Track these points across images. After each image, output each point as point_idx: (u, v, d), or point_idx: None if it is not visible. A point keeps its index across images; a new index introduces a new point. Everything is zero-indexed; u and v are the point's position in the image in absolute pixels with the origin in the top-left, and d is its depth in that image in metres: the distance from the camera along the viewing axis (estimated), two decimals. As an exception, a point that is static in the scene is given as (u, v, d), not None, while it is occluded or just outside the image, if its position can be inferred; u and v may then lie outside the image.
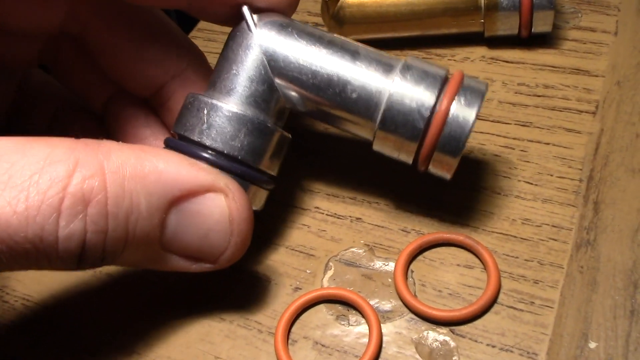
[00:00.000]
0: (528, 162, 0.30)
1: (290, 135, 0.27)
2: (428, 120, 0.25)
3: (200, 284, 0.28)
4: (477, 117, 0.25)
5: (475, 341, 0.25)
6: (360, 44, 0.26)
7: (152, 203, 0.21)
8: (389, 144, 0.26)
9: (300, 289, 0.27)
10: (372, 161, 0.31)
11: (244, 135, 0.25)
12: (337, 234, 0.29)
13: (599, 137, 0.30)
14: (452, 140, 0.25)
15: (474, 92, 0.25)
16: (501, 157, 0.30)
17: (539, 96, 0.32)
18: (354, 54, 0.26)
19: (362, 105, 0.25)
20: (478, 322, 0.25)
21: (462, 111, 0.25)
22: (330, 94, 0.25)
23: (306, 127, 0.33)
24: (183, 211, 0.22)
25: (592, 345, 0.24)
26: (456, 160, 0.25)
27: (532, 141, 0.30)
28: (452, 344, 0.25)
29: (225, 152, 0.25)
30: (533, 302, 0.25)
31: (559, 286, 0.26)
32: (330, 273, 0.28)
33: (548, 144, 0.30)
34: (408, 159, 0.26)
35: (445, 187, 0.29)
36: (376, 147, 0.27)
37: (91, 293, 0.29)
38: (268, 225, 0.30)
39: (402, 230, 0.28)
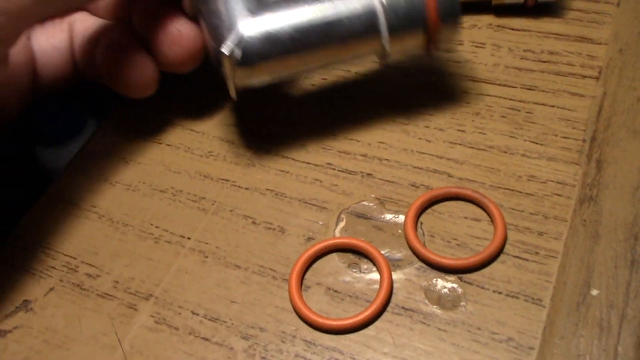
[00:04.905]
0: (533, 123, 0.31)
1: None
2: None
3: (214, 232, 0.29)
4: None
5: (482, 288, 0.26)
6: None
7: None
8: (403, 42, 0.28)
9: (313, 239, 0.28)
10: (382, 121, 0.32)
11: None
12: (349, 188, 0.30)
13: (601, 101, 0.31)
14: (450, 5, 0.28)
15: None
16: (508, 118, 0.31)
17: (544, 62, 0.33)
18: None
19: (365, 26, 0.27)
20: (485, 271, 0.26)
21: None
22: (333, 35, 0.27)
23: (319, 90, 0.34)
24: None
25: (594, 292, 0.25)
26: (459, 22, 0.29)
27: (537, 103, 0.31)
28: (460, 290, 0.26)
29: None
30: (538, 252, 0.26)
31: (563, 238, 0.27)
32: (342, 224, 0.29)
33: (553, 106, 0.31)
34: (420, 46, 0.29)
35: (454, 145, 0.30)
36: (393, 53, 0.29)
37: (106, 239, 0.30)
38: (282, 180, 0.31)
39: (412, 185, 0.29)
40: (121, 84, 0.31)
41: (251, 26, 0.27)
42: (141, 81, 0.31)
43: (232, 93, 0.28)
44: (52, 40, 0.33)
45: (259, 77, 0.28)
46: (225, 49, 0.27)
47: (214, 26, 0.27)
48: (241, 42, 0.27)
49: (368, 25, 0.27)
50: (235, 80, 0.28)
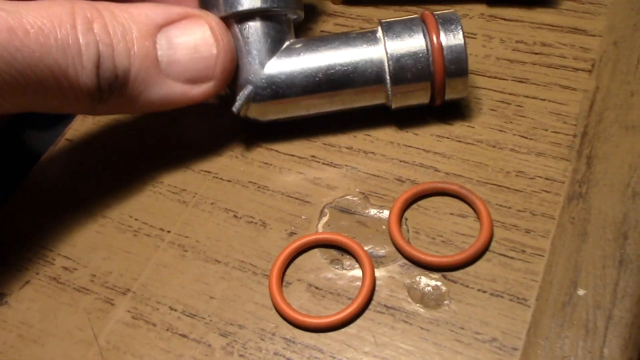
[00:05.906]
0: (523, 117, 0.30)
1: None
2: (430, 57, 0.28)
3: (195, 225, 0.28)
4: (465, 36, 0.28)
5: (467, 286, 0.25)
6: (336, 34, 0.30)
7: (141, 28, 0.26)
8: (408, 94, 0.29)
9: (295, 233, 0.28)
10: (369, 113, 0.31)
11: None
12: (333, 182, 0.29)
13: (594, 95, 0.30)
14: (457, 63, 0.28)
15: (450, 18, 0.28)
16: (497, 111, 0.30)
17: (536, 54, 0.32)
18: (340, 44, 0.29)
19: (372, 76, 0.28)
20: (470, 269, 0.26)
21: (451, 36, 0.28)
22: (343, 84, 0.29)
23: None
24: (169, 33, 0.26)
25: (581, 292, 0.25)
26: (467, 79, 0.28)
27: (528, 97, 0.31)
28: (444, 288, 0.25)
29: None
30: (524, 251, 0.26)
31: (550, 236, 0.26)
32: (325, 219, 0.28)
33: (544, 100, 0.30)
34: (426, 98, 0.29)
35: (441, 138, 0.30)
36: (396, 104, 0.29)
37: (84, 231, 0.29)
38: (264, 172, 0.30)
39: (397, 179, 0.29)
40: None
41: (269, 68, 0.28)
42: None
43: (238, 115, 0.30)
44: None
45: (268, 115, 0.29)
46: (244, 88, 0.28)
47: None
48: (258, 82, 0.28)
49: (374, 77, 0.28)
50: (247, 113, 0.29)
